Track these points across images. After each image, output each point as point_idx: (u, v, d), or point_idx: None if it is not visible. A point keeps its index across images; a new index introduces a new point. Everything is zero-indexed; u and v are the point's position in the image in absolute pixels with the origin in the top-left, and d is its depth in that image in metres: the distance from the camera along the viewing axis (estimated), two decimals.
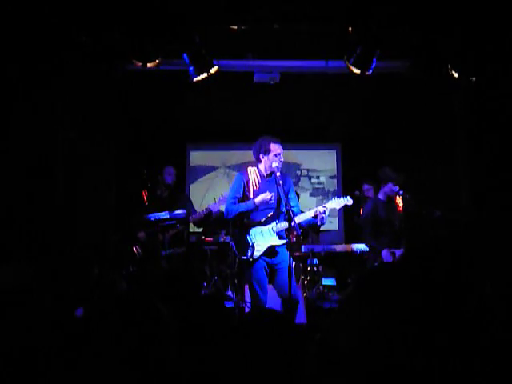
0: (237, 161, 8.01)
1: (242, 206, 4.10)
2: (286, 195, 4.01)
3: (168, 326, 1.21)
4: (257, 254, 4.05)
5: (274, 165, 4.09)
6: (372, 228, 4.99)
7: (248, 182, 4.17)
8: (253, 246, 4.06)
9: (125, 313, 1.19)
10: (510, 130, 4.81)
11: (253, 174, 4.21)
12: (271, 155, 4.12)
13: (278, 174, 4.08)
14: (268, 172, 4.19)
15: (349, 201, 4.21)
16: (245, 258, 4.08)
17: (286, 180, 4.19)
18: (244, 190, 4.17)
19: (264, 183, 4.18)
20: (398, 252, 4.85)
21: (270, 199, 4.01)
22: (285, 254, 4.11)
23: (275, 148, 4.13)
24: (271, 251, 4.09)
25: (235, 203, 4.17)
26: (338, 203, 4.18)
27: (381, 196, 5.06)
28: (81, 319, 1.26)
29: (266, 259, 4.11)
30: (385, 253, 4.89)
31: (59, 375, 1.17)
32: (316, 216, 4.03)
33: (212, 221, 5.56)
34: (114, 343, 1.14)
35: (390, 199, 5.05)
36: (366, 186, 6.44)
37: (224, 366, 1.16)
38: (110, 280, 4.64)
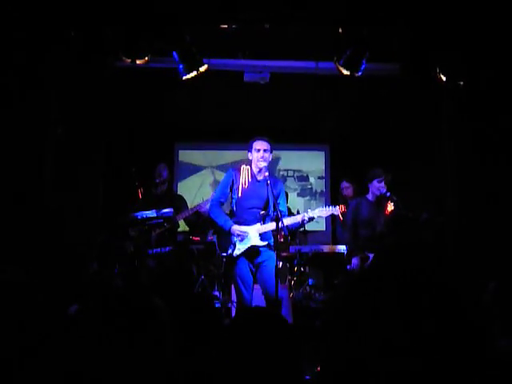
0: (226, 160, 7.99)
1: (220, 220, 4.14)
2: (276, 198, 4.06)
3: (165, 322, 1.20)
4: (237, 252, 4.07)
5: (262, 165, 4.11)
6: (351, 229, 4.98)
7: (238, 179, 4.19)
8: (234, 244, 4.08)
9: (122, 309, 1.18)
10: (497, 134, 4.86)
11: (245, 172, 4.22)
12: (253, 151, 4.17)
13: (267, 173, 4.09)
14: (258, 171, 4.20)
15: (336, 211, 4.26)
16: (224, 254, 4.13)
17: (276, 184, 4.22)
18: (233, 188, 4.20)
19: (254, 183, 4.20)
20: (372, 256, 4.81)
21: (246, 236, 4.04)
22: (268, 253, 4.12)
23: (256, 144, 4.17)
24: (253, 251, 4.10)
25: (220, 204, 4.23)
26: (325, 212, 4.22)
27: (369, 196, 5.01)
28: (75, 316, 1.25)
29: (249, 259, 4.12)
30: (354, 261, 4.87)
31: (52, 373, 1.16)
32: (302, 221, 4.15)
33: (202, 221, 5.53)
34: (111, 340, 1.13)
35: (379, 201, 4.98)
36: (344, 184, 6.34)
37: (215, 366, 1.15)
38: (105, 277, 4.63)
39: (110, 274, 4.89)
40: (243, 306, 4.03)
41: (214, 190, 4.58)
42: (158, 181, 5.46)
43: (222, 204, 4.25)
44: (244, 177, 4.20)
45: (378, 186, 4.91)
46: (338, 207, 4.30)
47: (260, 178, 4.18)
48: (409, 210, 4.87)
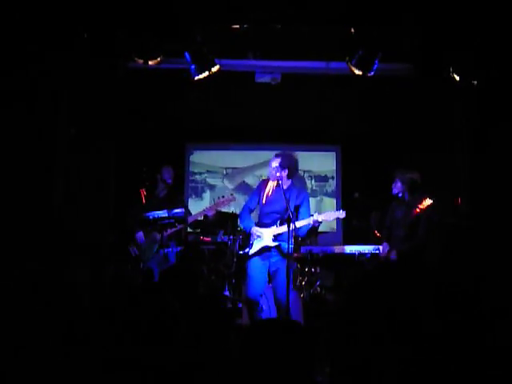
0: (236, 160, 8.01)
1: (244, 224, 4.62)
2: (297, 207, 4.38)
3: (179, 322, 1.22)
4: (252, 251, 4.44)
5: (273, 177, 4.46)
6: (387, 229, 5.01)
7: (264, 189, 4.57)
8: (252, 244, 4.47)
9: (140, 307, 1.21)
10: (510, 134, 4.81)
11: (271, 182, 4.56)
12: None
13: (275, 182, 4.44)
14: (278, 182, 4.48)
15: (341, 214, 4.48)
16: (241, 252, 4.66)
17: (300, 193, 4.52)
18: (260, 197, 4.60)
19: (276, 192, 4.50)
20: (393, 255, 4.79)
21: (261, 237, 4.41)
22: (281, 256, 4.40)
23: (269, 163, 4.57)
24: (265, 252, 4.43)
25: (248, 210, 4.62)
26: (330, 216, 4.46)
27: (406, 196, 4.91)
28: (93, 312, 1.29)
29: (262, 259, 4.42)
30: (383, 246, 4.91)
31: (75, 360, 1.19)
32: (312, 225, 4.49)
33: (209, 224, 5.55)
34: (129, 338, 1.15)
35: (413, 200, 4.82)
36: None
37: (221, 364, 1.16)
38: (126, 276, 4.73)
39: (133, 274, 4.97)
40: (247, 302, 4.44)
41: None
42: (169, 182, 5.43)
43: (250, 210, 4.65)
44: (270, 186, 4.55)
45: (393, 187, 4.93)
46: (342, 211, 4.49)
47: (285, 187, 4.46)
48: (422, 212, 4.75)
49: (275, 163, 4.46)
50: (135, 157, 6.46)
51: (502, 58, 4.62)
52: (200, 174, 8.08)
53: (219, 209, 5.33)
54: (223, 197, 5.28)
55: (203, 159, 8.13)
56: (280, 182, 4.37)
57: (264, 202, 4.54)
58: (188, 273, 2.14)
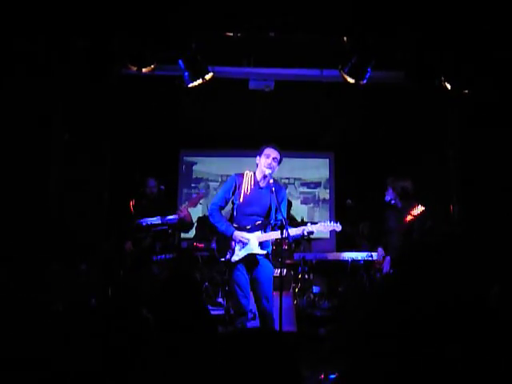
0: (230, 166, 8.02)
1: (222, 226, 4.05)
2: (278, 205, 3.95)
3: (151, 331, 1.22)
4: (235, 258, 3.99)
5: (267, 171, 4.04)
6: (382, 238, 5.01)
7: (241, 185, 4.11)
8: (233, 250, 4.01)
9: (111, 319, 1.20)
10: (502, 142, 4.86)
11: (248, 178, 4.14)
12: (262, 156, 4.10)
13: (271, 180, 4.01)
14: (261, 177, 4.12)
15: (338, 227, 4.14)
16: (223, 259, 4.06)
17: (280, 191, 4.14)
18: (235, 193, 4.12)
19: (256, 190, 4.11)
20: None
21: (247, 243, 3.97)
22: (266, 265, 4.03)
23: (267, 150, 4.10)
24: (251, 259, 4.01)
25: (220, 209, 4.13)
26: (326, 227, 4.11)
27: (398, 204, 4.92)
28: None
29: (246, 267, 4.01)
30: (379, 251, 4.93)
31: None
32: (302, 234, 4.08)
33: (186, 224, 5.45)
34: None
35: (404, 207, 4.84)
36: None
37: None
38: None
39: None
40: (241, 312, 3.96)
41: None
42: (154, 192, 5.40)
43: (221, 208, 4.16)
44: (247, 183, 4.11)
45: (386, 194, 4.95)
46: (339, 223, 4.17)
47: (263, 184, 4.11)
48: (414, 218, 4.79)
49: (276, 154, 4.07)
50: (129, 164, 6.45)
51: (493, 66, 4.67)
52: (197, 181, 8.10)
53: (192, 207, 5.25)
54: (197, 194, 5.21)
55: (197, 166, 8.15)
56: (268, 178, 4.00)
57: (242, 201, 4.06)
58: (190, 283, 2.11)
